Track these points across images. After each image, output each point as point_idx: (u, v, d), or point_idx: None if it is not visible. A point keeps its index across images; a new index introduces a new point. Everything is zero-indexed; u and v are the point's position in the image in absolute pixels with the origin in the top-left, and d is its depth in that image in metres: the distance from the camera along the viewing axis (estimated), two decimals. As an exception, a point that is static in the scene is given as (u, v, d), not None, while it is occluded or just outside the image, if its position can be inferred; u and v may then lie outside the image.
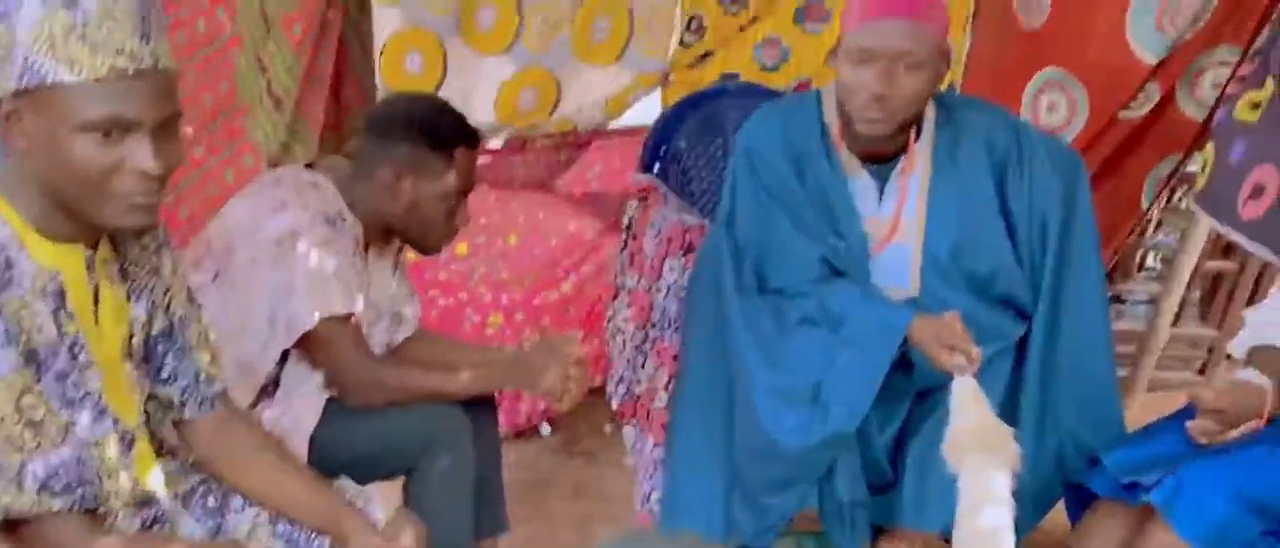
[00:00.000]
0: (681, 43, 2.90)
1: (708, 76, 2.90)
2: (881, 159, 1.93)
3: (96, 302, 1.30)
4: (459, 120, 1.87)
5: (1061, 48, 2.69)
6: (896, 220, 1.93)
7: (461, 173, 1.86)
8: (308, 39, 2.36)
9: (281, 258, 1.72)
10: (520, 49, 2.75)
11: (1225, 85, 2.57)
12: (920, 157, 1.91)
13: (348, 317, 1.78)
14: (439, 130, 1.84)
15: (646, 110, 2.91)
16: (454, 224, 1.90)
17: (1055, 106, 2.78)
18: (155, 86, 1.18)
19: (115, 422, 1.32)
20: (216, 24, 2.04)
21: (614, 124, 2.93)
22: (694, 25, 2.89)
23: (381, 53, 2.62)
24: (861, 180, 1.94)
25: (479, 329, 2.84)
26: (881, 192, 1.94)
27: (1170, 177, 2.78)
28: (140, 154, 1.18)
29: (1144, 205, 2.83)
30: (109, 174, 1.19)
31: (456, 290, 2.80)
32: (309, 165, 1.92)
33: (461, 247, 2.77)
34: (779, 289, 1.98)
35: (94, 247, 1.30)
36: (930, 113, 1.93)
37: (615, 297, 2.55)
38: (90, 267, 1.29)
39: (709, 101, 2.64)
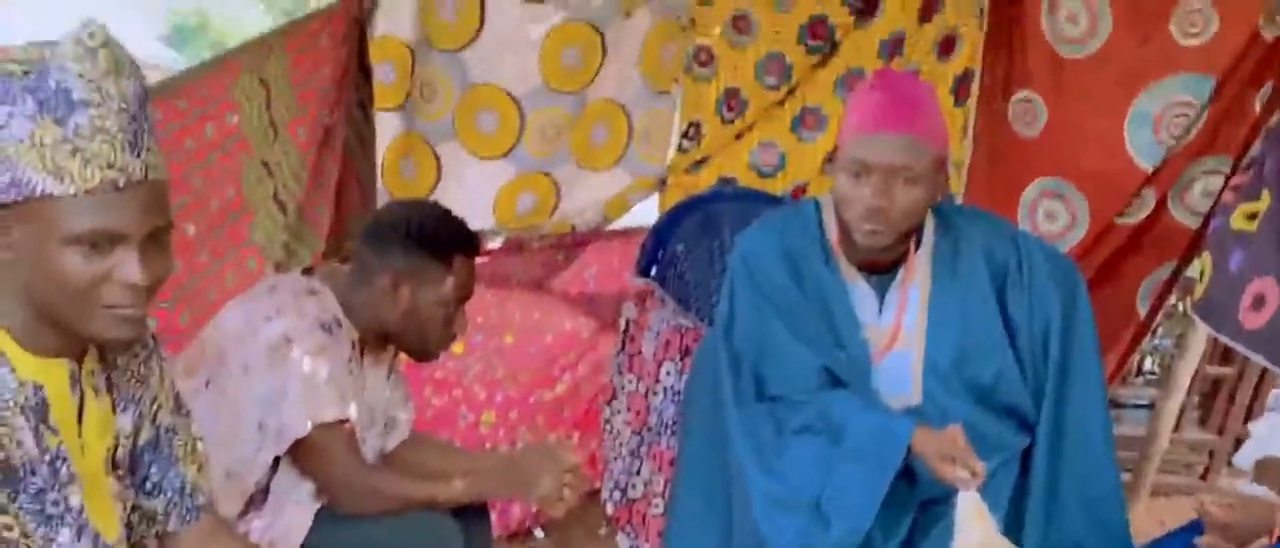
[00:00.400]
0: (679, 148, 2.92)
1: (704, 181, 2.91)
2: (881, 269, 1.91)
3: (81, 414, 1.26)
4: (458, 227, 1.85)
5: (1059, 156, 2.71)
6: (897, 329, 1.91)
7: (459, 280, 1.83)
8: (313, 143, 2.36)
9: (274, 364, 1.68)
10: (521, 153, 2.76)
11: (1219, 194, 2.58)
12: (920, 266, 1.90)
13: (340, 423, 1.72)
14: (437, 237, 1.81)
15: (644, 212, 2.91)
16: (451, 331, 1.87)
17: (1053, 215, 2.78)
18: (145, 199, 1.15)
19: (96, 538, 1.26)
20: (226, 128, 2.03)
21: (612, 226, 2.93)
22: (692, 131, 2.91)
23: (382, 158, 2.62)
24: (861, 289, 1.92)
25: (473, 427, 2.79)
26: (881, 300, 1.92)
27: (1167, 283, 2.77)
28: (127, 266, 1.15)
29: (1141, 312, 2.83)
30: (95, 286, 1.15)
31: (451, 389, 2.76)
32: (307, 271, 1.89)
33: (457, 346, 2.73)
34: (778, 397, 1.94)
35: (80, 358, 1.25)
36: (929, 223, 1.93)
37: (613, 399, 2.51)
38: (75, 379, 1.25)
39: (706, 205, 2.65)
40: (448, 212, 1.87)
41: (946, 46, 2.88)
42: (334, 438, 1.71)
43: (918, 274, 1.90)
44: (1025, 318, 1.90)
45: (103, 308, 1.16)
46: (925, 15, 2.85)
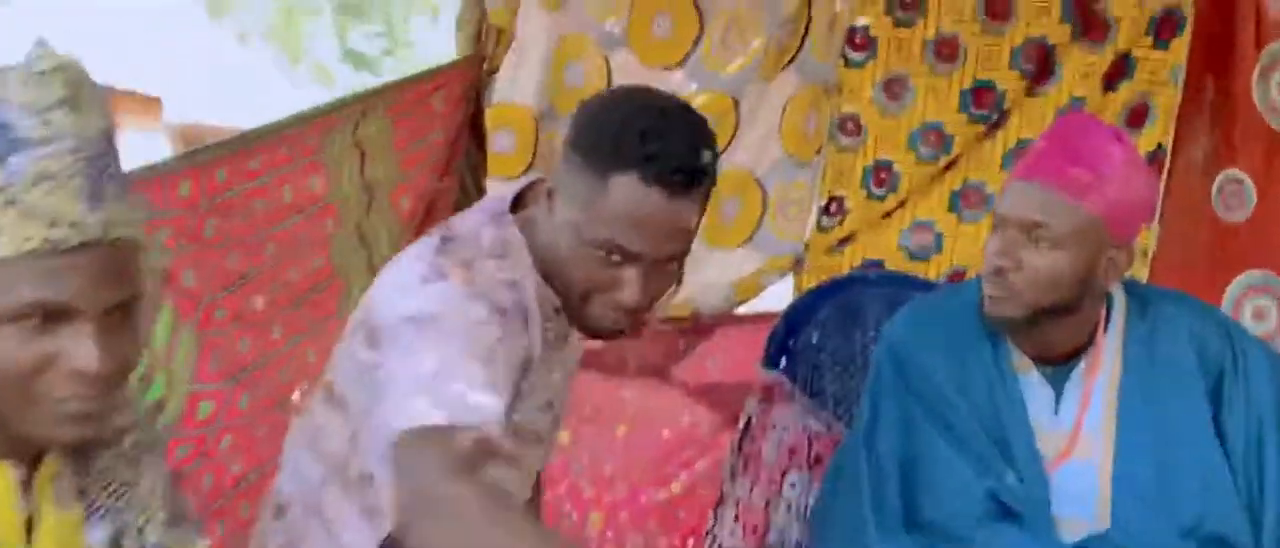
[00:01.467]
0: (819, 225, 2.63)
1: (848, 262, 2.61)
2: (1058, 358, 1.60)
3: (31, 528, 0.98)
4: (650, 132, 1.18)
5: (1270, 245, 2.40)
6: (1077, 432, 1.59)
7: (619, 208, 1.18)
8: (418, 213, 2.16)
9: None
10: (645, 229, 2.53)
11: None
12: (1108, 355, 1.59)
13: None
14: (602, 136, 1.19)
15: (778, 296, 2.62)
16: (612, 296, 1.22)
17: (1264, 314, 2.41)
18: (103, 264, 0.88)
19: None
20: (307, 194, 1.83)
21: (741, 310, 2.65)
22: (834, 207, 2.62)
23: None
24: (1033, 381, 1.61)
25: (577, 528, 2.51)
26: (1059, 397, 1.59)
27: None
28: (79, 350, 0.88)
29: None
30: (38, 374, 0.89)
31: (554, 484, 2.48)
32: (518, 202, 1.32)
33: (563, 434, 2.45)
34: (931, 524, 1.62)
35: (36, 460, 0.99)
36: (1120, 303, 1.61)
37: (719, 504, 2.19)
38: (25, 486, 0.98)
39: (848, 289, 2.30)
40: (670, 110, 1.23)
41: (1136, 117, 2.51)
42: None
43: (1105, 363, 1.59)
44: (1240, 428, 1.58)
45: (48, 401, 0.90)
46: (1110, 81, 2.51)
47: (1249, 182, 2.40)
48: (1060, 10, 2.48)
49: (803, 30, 2.51)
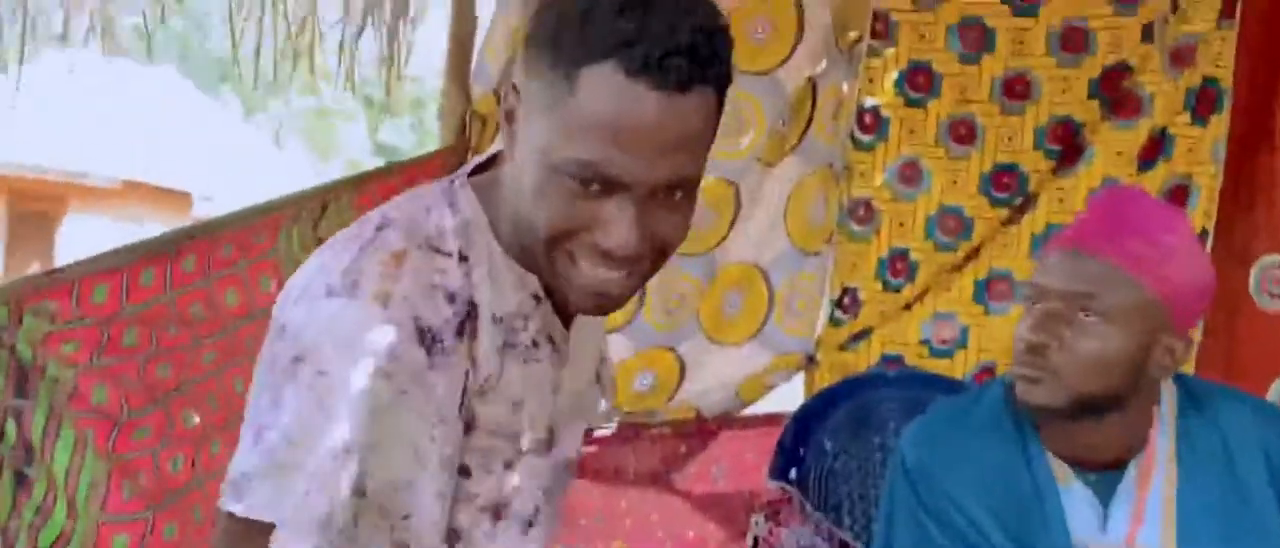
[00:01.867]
0: (831, 320, 2.48)
1: (863, 360, 2.45)
2: (1103, 464, 1.42)
3: None
4: (633, 10, 0.85)
5: None
6: None
7: (597, 120, 0.85)
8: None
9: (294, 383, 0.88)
10: (640, 325, 2.39)
11: None
12: (1160, 459, 1.43)
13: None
14: (566, 20, 0.86)
15: (786, 396, 2.46)
16: (600, 241, 0.87)
17: None
18: None
19: None
20: (257, 296, 1.66)
21: (747, 411, 2.51)
22: (847, 300, 2.46)
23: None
24: (1075, 491, 1.43)
25: (569, 658, 2.31)
26: (1106, 509, 1.42)
27: None
28: None
29: None
30: None
31: None
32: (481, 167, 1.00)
33: None
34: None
35: None
36: (1170, 399, 1.44)
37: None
38: None
39: (863, 390, 2.14)
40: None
41: (1176, 198, 2.34)
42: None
43: (1158, 471, 1.43)
44: None
45: None
46: (1146, 160, 2.34)
47: None
48: (1087, 88, 2.35)
49: (807, 114, 2.42)
